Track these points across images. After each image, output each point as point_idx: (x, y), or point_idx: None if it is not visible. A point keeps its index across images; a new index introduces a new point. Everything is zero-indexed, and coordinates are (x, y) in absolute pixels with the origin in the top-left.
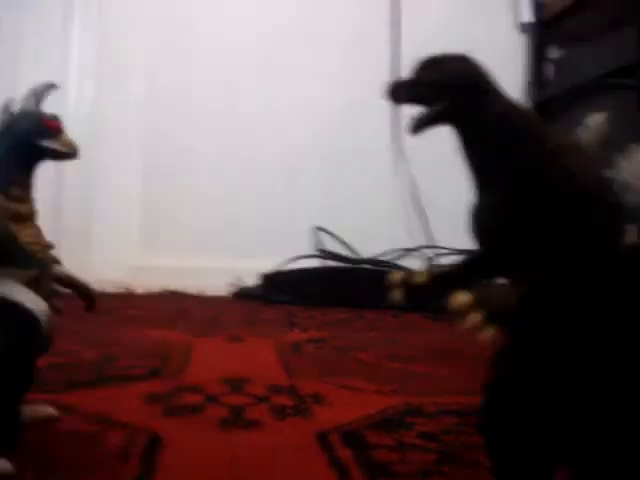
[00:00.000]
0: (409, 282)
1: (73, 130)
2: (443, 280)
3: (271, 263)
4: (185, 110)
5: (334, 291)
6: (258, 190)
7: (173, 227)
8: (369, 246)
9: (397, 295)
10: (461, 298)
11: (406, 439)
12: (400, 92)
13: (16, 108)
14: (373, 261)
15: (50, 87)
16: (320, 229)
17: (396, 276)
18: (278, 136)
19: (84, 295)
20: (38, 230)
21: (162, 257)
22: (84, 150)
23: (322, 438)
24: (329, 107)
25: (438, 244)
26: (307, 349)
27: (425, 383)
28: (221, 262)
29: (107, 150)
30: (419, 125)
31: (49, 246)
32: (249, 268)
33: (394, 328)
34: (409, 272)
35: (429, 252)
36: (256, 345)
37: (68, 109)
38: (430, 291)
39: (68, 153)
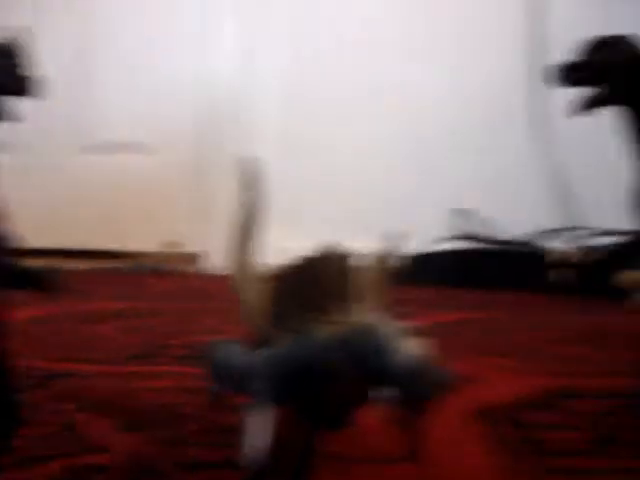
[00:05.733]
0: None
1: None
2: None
3: (415, 245)
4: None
5: (476, 273)
6: (402, 170)
7: (308, 211)
8: (511, 227)
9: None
10: (633, 276)
11: (562, 419)
12: (570, 74)
13: None
14: (516, 242)
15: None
16: (459, 210)
17: (633, 277)
18: (413, 115)
19: None
20: None
21: (298, 239)
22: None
23: (479, 416)
24: (461, 86)
25: (586, 225)
26: (454, 330)
27: (580, 365)
28: (360, 244)
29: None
30: (588, 105)
31: None
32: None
33: (542, 310)
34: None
35: (577, 233)
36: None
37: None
38: None
39: None
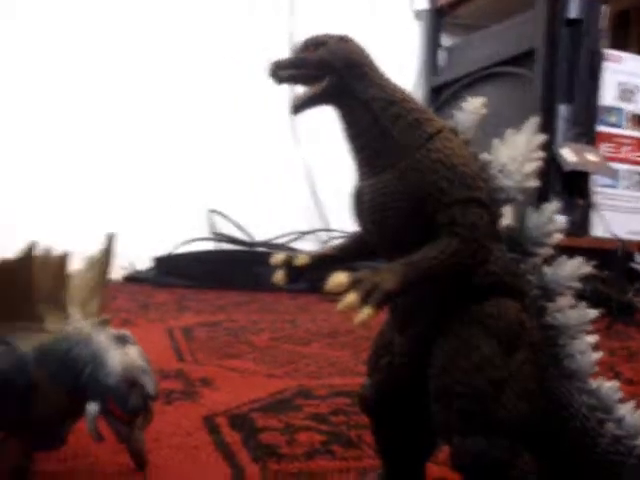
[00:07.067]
0: (291, 263)
1: None
2: (323, 261)
3: (164, 246)
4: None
5: (228, 274)
6: (152, 171)
7: (65, 204)
8: (264, 229)
9: (279, 276)
10: (337, 278)
11: (295, 421)
12: (281, 71)
13: None
14: (268, 244)
15: None
16: (215, 212)
17: (278, 257)
18: (171, 116)
19: None
20: None
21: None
22: None
23: (209, 422)
24: (224, 86)
25: (332, 227)
26: (198, 333)
27: (317, 365)
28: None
29: None
30: (300, 105)
31: None
32: (142, 251)
33: (290, 310)
34: (291, 254)
35: (324, 235)
36: (147, 329)
37: None
38: (311, 272)
39: None
